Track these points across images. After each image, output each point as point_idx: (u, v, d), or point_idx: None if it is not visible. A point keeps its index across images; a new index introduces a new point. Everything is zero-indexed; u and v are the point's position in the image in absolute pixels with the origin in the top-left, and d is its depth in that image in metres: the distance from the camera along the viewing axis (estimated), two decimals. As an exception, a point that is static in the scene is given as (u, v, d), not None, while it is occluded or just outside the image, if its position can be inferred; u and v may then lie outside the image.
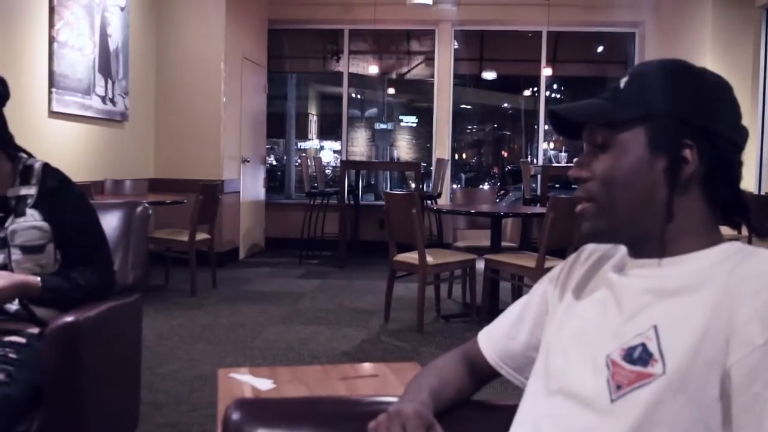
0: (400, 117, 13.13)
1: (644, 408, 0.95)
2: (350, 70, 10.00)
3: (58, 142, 5.76)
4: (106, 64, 6.74)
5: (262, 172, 9.40)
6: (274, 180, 11.70)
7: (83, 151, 6.27)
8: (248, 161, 8.71)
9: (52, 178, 2.27)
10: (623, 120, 1.05)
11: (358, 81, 10.79)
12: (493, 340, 1.31)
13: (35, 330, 2.13)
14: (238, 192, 8.40)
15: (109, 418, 2.36)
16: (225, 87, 7.87)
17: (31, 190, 2.22)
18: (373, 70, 10.58)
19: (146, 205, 2.76)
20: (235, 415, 1.26)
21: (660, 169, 1.03)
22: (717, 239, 1.05)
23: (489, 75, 11.38)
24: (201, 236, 6.33)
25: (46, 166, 2.29)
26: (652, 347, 0.98)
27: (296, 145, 12.46)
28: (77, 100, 6.21)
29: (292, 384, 2.00)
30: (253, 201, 8.99)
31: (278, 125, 11.20)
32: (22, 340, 2.07)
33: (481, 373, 1.32)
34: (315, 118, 13.82)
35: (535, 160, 10.26)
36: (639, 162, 1.04)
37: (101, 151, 6.68)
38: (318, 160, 9.59)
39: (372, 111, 12.39)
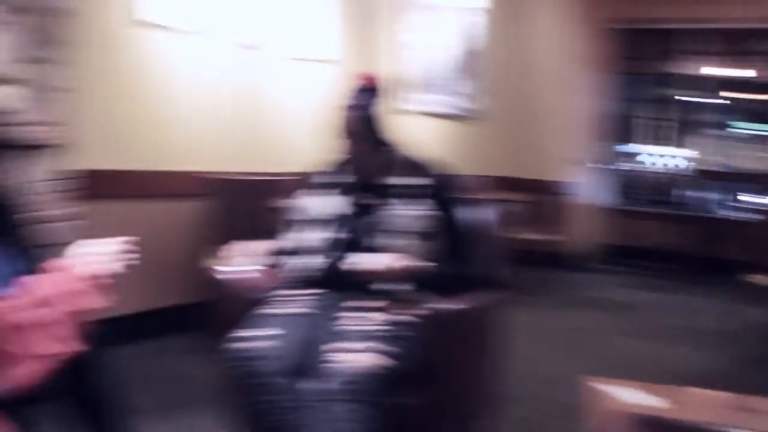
0: (743, 123, 11.92)
1: None
2: (692, 72, 9.28)
3: (419, 138, 6.13)
4: (466, 64, 7.03)
5: (607, 176, 9.15)
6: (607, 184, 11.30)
7: (438, 147, 6.59)
8: (588, 164, 8.54)
9: (440, 171, 2.42)
10: None
11: (700, 83, 9.99)
12: None
13: (420, 310, 2.26)
14: (578, 195, 8.25)
15: (472, 403, 2.44)
16: (573, 88, 7.79)
17: (417, 180, 2.37)
18: (709, 71, 9.69)
19: (514, 203, 2.81)
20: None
21: None
22: None
23: None
24: (546, 237, 6.32)
25: (432, 160, 2.44)
26: None
27: (630, 150, 11.93)
28: (436, 98, 6.54)
29: (678, 405, 1.87)
30: (597, 205, 8.79)
31: (622, 129, 10.76)
32: (408, 318, 2.21)
33: None
34: (652, 122, 13.11)
35: None
36: None
37: (455, 147, 6.97)
38: (672, 167, 9.07)
39: (709, 116, 11.41)
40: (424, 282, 2.27)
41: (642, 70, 10.63)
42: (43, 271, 1.89)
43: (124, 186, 3.92)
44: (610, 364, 4.35)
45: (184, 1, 4.15)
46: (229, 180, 3.86)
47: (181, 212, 4.28)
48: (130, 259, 1.94)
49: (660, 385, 2.17)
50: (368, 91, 2.39)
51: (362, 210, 2.41)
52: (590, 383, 2.05)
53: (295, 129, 5.11)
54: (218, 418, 3.00)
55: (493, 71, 7.58)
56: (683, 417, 1.70)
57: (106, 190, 3.80)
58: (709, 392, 2.24)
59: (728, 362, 4.59)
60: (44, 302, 1.75)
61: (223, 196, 3.79)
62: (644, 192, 8.16)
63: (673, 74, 9.68)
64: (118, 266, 1.93)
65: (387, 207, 2.37)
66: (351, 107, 2.38)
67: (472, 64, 7.15)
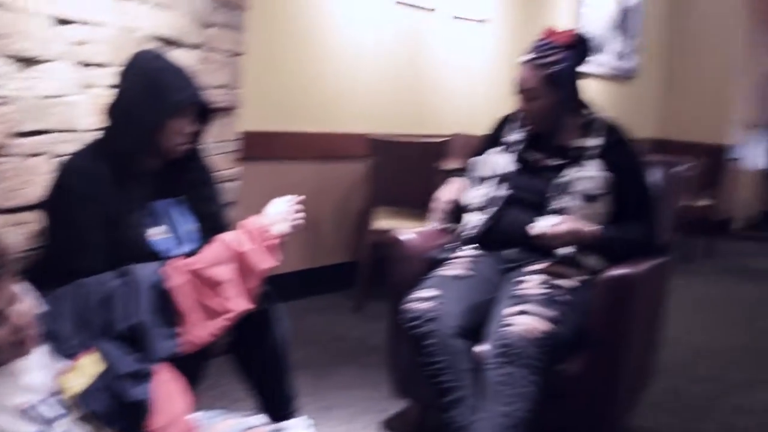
0: None
1: None
2: None
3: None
4: (622, 22, 6.77)
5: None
6: None
7: (607, 107, 6.42)
8: (758, 127, 8.05)
9: (616, 133, 2.35)
10: None
11: None
12: None
13: (584, 276, 2.23)
14: (741, 159, 7.83)
15: (634, 373, 2.40)
16: (741, 47, 7.34)
17: (596, 141, 2.32)
18: None
19: (686, 165, 2.70)
20: None
21: None
22: None
23: None
24: (702, 202, 6.06)
25: (610, 121, 2.37)
26: None
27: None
28: (595, 57, 6.34)
29: None
30: (755, 170, 8.31)
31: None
32: (572, 283, 2.18)
33: None
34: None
35: None
36: None
37: (610, 107, 6.75)
38: None
39: None
40: (593, 246, 2.24)
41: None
42: (233, 229, 2.00)
43: (292, 147, 4.03)
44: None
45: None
46: (394, 141, 3.90)
47: (347, 173, 4.38)
48: (302, 218, 2.02)
49: None
50: (552, 45, 2.30)
51: (534, 169, 2.37)
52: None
53: (461, 90, 5.10)
54: (378, 375, 3.09)
55: (650, 28, 7.27)
56: None
57: (276, 151, 3.93)
58: None
59: None
60: (236, 258, 1.86)
61: (388, 157, 3.84)
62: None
63: None
64: (294, 225, 2.02)
65: (560, 167, 2.33)
66: (529, 63, 2.31)
67: (628, 22, 6.88)
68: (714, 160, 5.99)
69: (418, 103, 4.79)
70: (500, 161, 2.41)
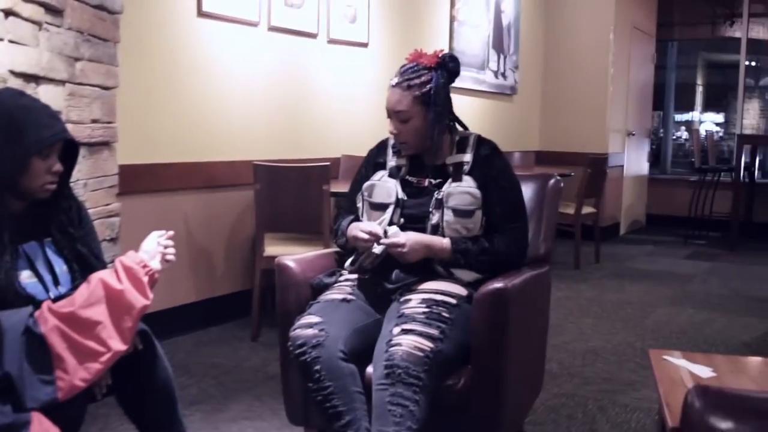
0: None
1: None
2: (740, 36, 9.08)
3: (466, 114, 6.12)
4: (498, 40, 6.99)
5: (646, 146, 9.06)
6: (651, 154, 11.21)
7: (476, 124, 6.58)
8: (633, 134, 8.44)
9: (485, 147, 2.41)
10: None
11: (754, 47, 9.78)
12: None
13: (464, 292, 2.28)
14: (622, 166, 8.19)
15: (522, 382, 2.46)
16: (613, 58, 7.70)
17: (466, 158, 2.38)
18: (765, 35, 9.49)
19: (558, 178, 2.80)
20: (698, 403, 1.22)
21: None
22: None
23: None
24: (586, 210, 6.30)
25: (479, 137, 2.43)
26: None
27: (674, 118, 11.75)
28: (472, 75, 6.52)
29: (734, 374, 1.89)
30: (636, 176, 8.71)
31: (657, 96, 10.64)
32: (452, 300, 2.23)
33: None
34: (700, 88, 12.88)
35: None
36: None
37: (491, 123, 6.95)
38: (710, 134, 8.94)
39: (764, 80, 11.21)
40: (445, 259, 2.29)
41: (690, 36, 10.45)
42: (105, 268, 1.95)
43: (175, 178, 3.97)
44: (661, 335, 4.34)
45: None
46: (277, 167, 3.88)
47: (234, 201, 4.34)
48: (173, 253, 1.98)
49: (720, 355, 2.17)
50: (418, 67, 2.34)
51: (418, 191, 2.40)
52: (656, 354, 2.05)
53: (343, 113, 5.14)
54: (275, 404, 3.07)
55: (526, 46, 7.52)
56: (745, 386, 1.72)
57: (159, 183, 3.87)
58: (760, 360, 2.23)
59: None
60: (110, 297, 1.81)
61: (272, 183, 3.81)
62: (691, 160, 8.03)
63: (723, 39, 9.49)
64: (166, 260, 1.98)
65: (436, 185, 2.37)
66: (398, 86, 2.34)
67: (504, 40, 7.09)
68: (596, 169, 6.23)
69: (302, 127, 4.80)
70: (390, 187, 2.44)
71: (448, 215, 2.31)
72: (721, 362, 2.10)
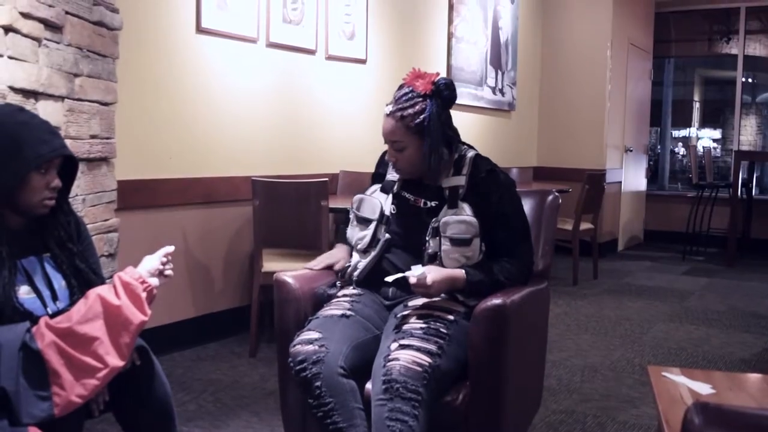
0: None
1: None
2: (738, 53, 9.13)
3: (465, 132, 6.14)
4: (496, 56, 7.02)
5: (643, 162, 9.08)
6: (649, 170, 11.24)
7: (474, 141, 6.59)
8: (631, 150, 8.47)
9: (481, 168, 2.38)
10: None
11: (750, 64, 9.83)
12: None
13: (461, 308, 2.27)
14: (620, 182, 8.21)
15: (521, 397, 2.45)
16: (610, 74, 7.73)
17: (461, 180, 2.36)
18: (762, 51, 9.55)
19: (557, 194, 2.81)
20: (698, 419, 1.21)
21: None
22: None
23: None
24: (584, 226, 6.31)
25: (477, 156, 2.42)
26: None
27: (672, 134, 11.80)
28: (471, 91, 6.55)
29: (732, 391, 1.88)
30: (634, 192, 8.72)
31: (654, 113, 10.69)
32: (451, 317, 2.22)
33: None
34: (697, 105, 12.92)
35: None
36: None
37: (490, 139, 6.97)
38: (707, 150, 8.96)
39: (765, 96, 11.26)
40: (469, 290, 2.27)
41: (688, 52, 10.50)
42: (104, 284, 1.95)
43: (174, 194, 3.97)
44: (659, 352, 4.33)
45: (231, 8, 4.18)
46: (276, 182, 3.88)
47: (233, 217, 4.34)
48: (171, 271, 1.98)
49: (718, 371, 2.17)
50: (412, 95, 2.31)
51: (412, 210, 2.40)
52: (655, 371, 2.05)
53: (342, 129, 5.15)
54: (273, 420, 3.05)
55: (525, 62, 7.56)
56: (744, 403, 1.71)
57: (157, 199, 3.87)
58: (760, 377, 2.23)
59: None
60: (108, 313, 1.80)
61: (271, 199, 3.81)
62: (689, 176, 8.05)
63: (720, 56, 9.53)
64: (167, 275, 1.98)
65: (434, 209, 2.35)
66: (391, 115, 2.31)
67: (503, 57, 7.13)
68: (594, 185, 6.24)
69: (301, 143, 4.81)
70: (381, 202, 2.44)
71: (446, 245, 2.29)
72: (720, 379, 2.10)
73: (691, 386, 1.88)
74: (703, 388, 1.88)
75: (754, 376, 2.21)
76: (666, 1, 9.08)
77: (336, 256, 2.56)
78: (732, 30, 9.24)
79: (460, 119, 6.29)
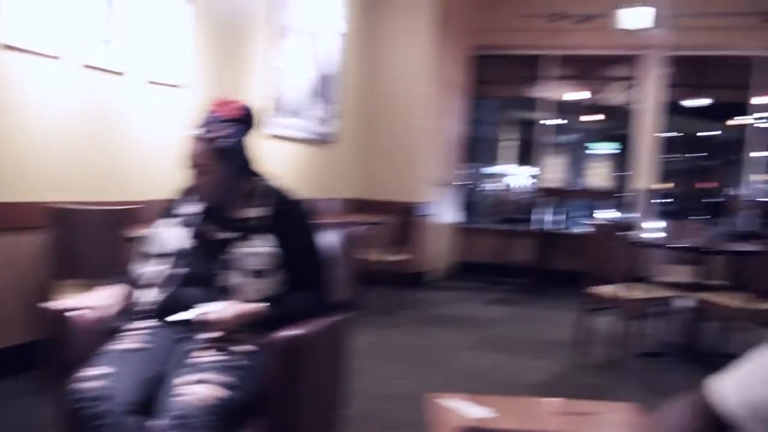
0: (595, 144, 12.76)
1: None
2: (547, 96, 9.85)
3: (274, 162, 6.14)
4: (322, 88, 7.11)
5: (456, 195, 9.49)
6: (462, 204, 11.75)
7: (294, 171, 6.62)
8: (445, 185, 8.83)
9: (279, 199, 2.40)
10: None
11: (554, 106, 10.58)
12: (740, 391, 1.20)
13: (258, 341, 2.25)
14: (433, 215, 8.52)
15: (319, 428, 2.45)
16: (427, 112, 8.06)
17: (260, 212, 2.36)
18: (570, 95, 10.36)
19: (359, 226, 2.87)
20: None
21: None
22: None
23: (689, 102, 10.79)
24: (398, 257, 6.48)
25: (275, 187, 2.43)
26: None
27: (483, 170, 12.43)
28: (292, 121, 6.58)
29: (512, 415, 1.98)
30: (445, 224, 9.08)
31: (470, 149, 11.21)
32: (252, 348, 2.20)
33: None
34: (506, 143, 13.71)
35: (741, 193, 9.58)
36: None
37: (309, 170, 7.02)
38: (516, 186, 9.52)
39: (567, 137, 12.12)
40: (265, 323, 2.25)
41: (501, 94, 11.13)
42: None
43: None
44: (460, 378, 4.51)
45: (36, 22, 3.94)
46: (75, 210, 3.68)
47: (24, 245, 4.04)
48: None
49: (498, 396, 2.29)
50: (220, 119, 2.32)
51: (206, 244, 2.36)
52: (430, 398, 2.12)
53: (154, 155, 4.98)
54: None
55: (348, 95, 7.71)
56: (514, 426, 1.82)
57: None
58: (544, 400, 2.38)
59: (573, 369, 4.88)
60: None
61: (70, 227, 3.61)
62: (498, 210, 8.54)
63: (530, 98, 10.17)
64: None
65: (230, 241, 2.32)
66: (199, 137, 2.31)
67: (326, 89, 7.23)
68: (406, 217, 6.44)
69: (108, 169, 4.60)
70: (172, 236, 2.38)
71: (240, 277, 2.27)
72: (506, 403, 2.21)
73: (465, 412, 1.96)
74: (483, 412, 1.96)
75: (535, 400, 2.35)
76: (485, 45, 9.52)
77: (107, 301, 2.39)
78: (538, 75, 9.90)
79: (278, 149, 6.34)
